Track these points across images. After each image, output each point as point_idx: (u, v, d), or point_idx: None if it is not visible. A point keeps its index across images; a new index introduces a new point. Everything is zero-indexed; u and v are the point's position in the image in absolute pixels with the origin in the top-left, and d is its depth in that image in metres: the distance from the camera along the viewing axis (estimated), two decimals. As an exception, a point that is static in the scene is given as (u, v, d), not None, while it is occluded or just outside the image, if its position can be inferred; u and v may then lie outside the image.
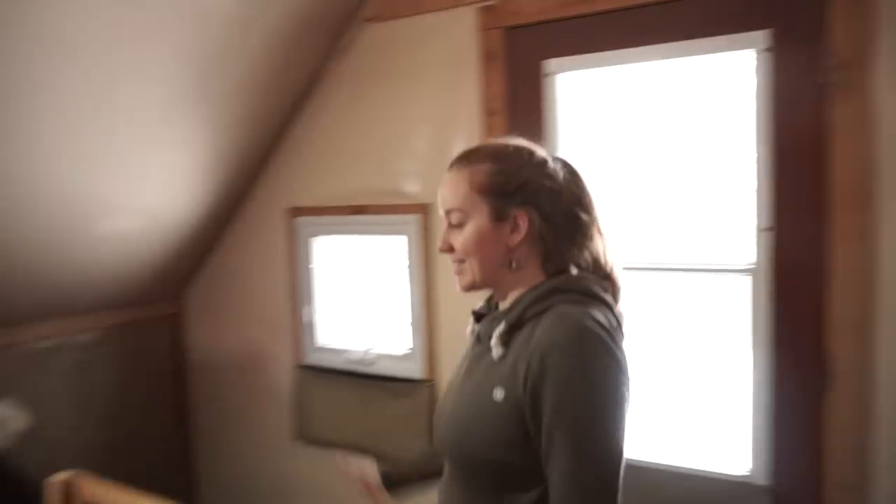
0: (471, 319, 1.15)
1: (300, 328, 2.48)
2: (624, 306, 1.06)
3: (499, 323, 1.02)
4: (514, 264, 1.03)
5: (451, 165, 1.07)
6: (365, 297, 2.46)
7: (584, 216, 1.05)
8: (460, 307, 2.11)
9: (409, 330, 2.32)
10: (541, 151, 1.07)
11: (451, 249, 1.06)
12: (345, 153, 2.33)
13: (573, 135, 1.97)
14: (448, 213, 1.06)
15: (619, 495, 0.90)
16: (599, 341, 0.93)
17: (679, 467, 1.84)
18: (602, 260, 1.06)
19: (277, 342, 2.57)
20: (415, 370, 2.29)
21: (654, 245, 1.90)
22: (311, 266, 2.43)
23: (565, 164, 1.08)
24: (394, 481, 1.23)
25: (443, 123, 2.14)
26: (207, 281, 2.79)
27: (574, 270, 1.03)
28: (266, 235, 2.57)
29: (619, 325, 1.02)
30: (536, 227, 1.02)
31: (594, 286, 1.02)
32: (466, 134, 2.08)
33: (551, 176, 1.04)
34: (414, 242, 2.25)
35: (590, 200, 1.07)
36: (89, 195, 1.99)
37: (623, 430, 0.92)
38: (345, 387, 2.40)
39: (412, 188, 2.22)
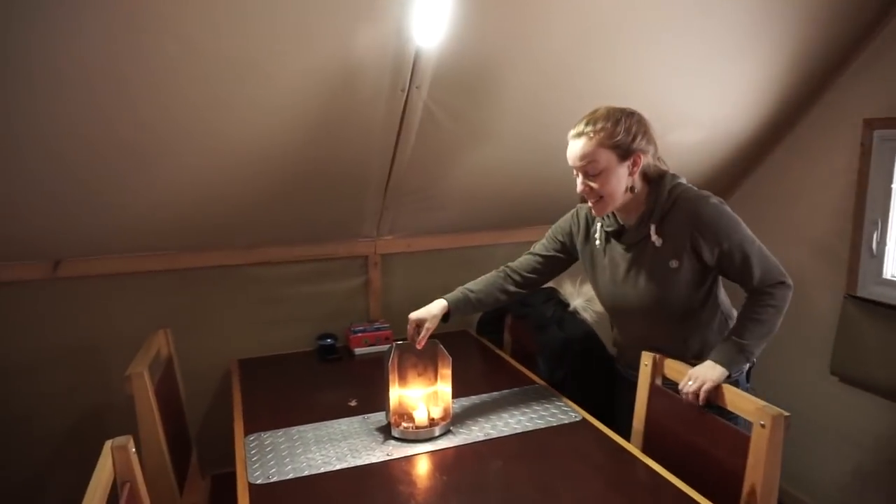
0: (599, 238, 1.66)
1: (859, 256, 2.21)
2: None
3: (646, 226, 1.54)
4: (633, 188, 1.52)
5: (579, 132, 1.49)
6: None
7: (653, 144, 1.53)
8: None
9: None
10: (631, 111, 1.51)
11: (591, 192, 1.51)
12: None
13: None
14: (585, 166, 1.49)
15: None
16: (719, 200, 1.53)
17: None
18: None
19: (823, 267, 2.36)
20: None
21: None
22: (891, 186, 2.10)
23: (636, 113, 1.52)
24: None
25: None
26: (748, 195, 2.72)
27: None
28: (826, 149, 2.33)
29: None
30: (644, 160, 1.51)
31: (682, 179, 1.58)
32: None
33: (641, 124, 1.50)
34: None
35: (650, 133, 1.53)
36: (667, 108, 2.11)
37: None
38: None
39: None
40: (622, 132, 1.45)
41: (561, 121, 2.01)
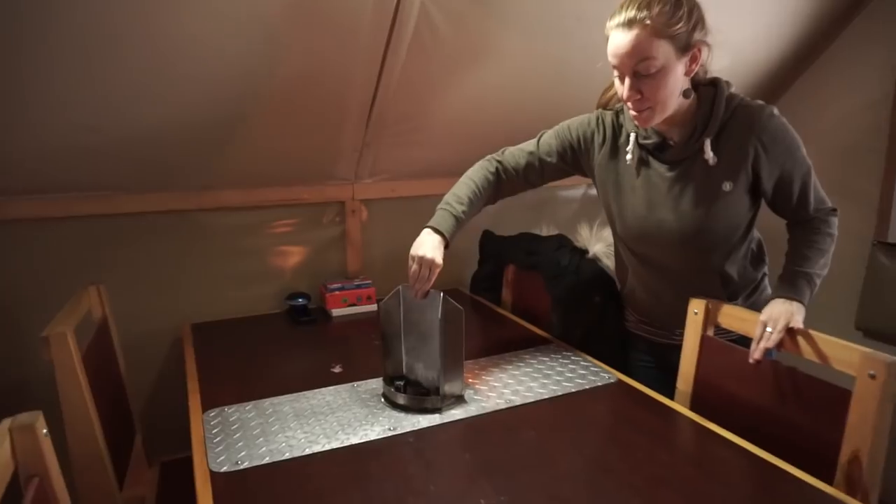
0: (632, 152, 1.34)
1: (892, 198, 2.00)
2: None
3: (698, 141, 1.25)
4: (687, 91, 1.23)
5: (629, 19, 1.12)
6: None
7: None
8: None
9: None
10: None
11: (641, 99, 1.18)
12: None
13: None
14: (636, 64, 1.14)
15: None
16: (782, 115, 1.25)
17: None
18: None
19: (848, 212, 2.10)
20: None
21: None
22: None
23: None
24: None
25: None
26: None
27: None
28: (857, 80, 2.10)
29: None
30: (703, 55, 1.20)
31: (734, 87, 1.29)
32: None
33: (699, 9, 1.17)
34: None
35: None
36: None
37: None
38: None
39: None
40: (683, 17, 1.12)
41: (579, 42, 1.71)
